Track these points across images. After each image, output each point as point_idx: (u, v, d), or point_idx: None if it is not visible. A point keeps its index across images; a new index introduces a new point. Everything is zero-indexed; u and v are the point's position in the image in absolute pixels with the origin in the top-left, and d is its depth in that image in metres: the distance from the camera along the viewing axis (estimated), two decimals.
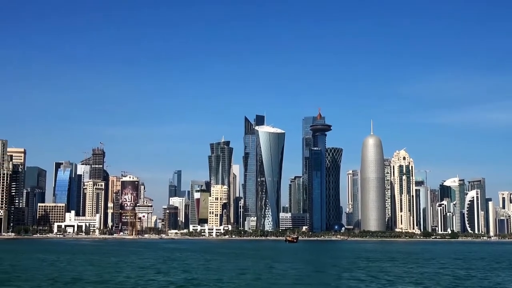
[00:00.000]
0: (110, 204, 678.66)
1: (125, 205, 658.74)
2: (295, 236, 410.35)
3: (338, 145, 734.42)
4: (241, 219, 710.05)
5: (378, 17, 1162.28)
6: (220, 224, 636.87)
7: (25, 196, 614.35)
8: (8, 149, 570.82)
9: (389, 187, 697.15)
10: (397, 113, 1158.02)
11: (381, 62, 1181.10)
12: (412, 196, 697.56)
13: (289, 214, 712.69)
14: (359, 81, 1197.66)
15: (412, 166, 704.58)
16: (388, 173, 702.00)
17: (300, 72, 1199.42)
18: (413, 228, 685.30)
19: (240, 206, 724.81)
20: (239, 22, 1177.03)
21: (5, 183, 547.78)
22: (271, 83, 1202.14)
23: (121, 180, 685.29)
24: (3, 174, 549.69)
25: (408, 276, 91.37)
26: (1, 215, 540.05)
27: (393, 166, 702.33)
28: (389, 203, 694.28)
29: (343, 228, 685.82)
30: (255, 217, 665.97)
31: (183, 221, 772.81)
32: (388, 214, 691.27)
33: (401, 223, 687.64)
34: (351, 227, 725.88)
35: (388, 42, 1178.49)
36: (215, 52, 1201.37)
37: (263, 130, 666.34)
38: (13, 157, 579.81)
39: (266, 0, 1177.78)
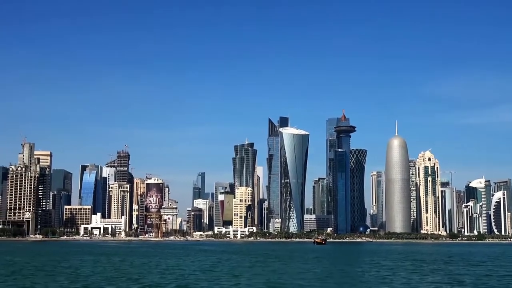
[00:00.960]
0: (134, 206, 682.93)
1: (150, 207, 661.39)
2: (323, 238, 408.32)
3: (362, 147, 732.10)
4: (265, 221, 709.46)
5: (401, 19, 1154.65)
6: (245, 226, 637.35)
7: (51, 198, 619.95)
8: (35, 152, 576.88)
9: (414, 188, 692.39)
10: (421, 114, 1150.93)
11: (406, 63, 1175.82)
12: (438, 197, 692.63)
13: (313, 216, 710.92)
14: (383, 82, 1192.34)
15: (437, 167, 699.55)
16: (413, 174, 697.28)
17: (324, 73, 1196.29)
18: (439, 230, 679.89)
19: (264, 208, 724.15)
20: (263, 24, 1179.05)
21: (32, 185, 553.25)
22: (295, 84, 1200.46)
23: (145, 182, 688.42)
24: (31, 177, 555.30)
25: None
26: (29, 218, 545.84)
27: (418, 167, 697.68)
28: (414, 205, 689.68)
29: (368, 230, 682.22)
30: (280, 219, 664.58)
31: (207, 223, 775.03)
32: (413, 216, 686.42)
33: (427, 225, 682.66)
34: (376, 228, 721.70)
35: (413, 43, 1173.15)
36: (239, 54, 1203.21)
37: (287, 132, 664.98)
38: (40, 160, 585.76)
39: (291, 3, 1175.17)
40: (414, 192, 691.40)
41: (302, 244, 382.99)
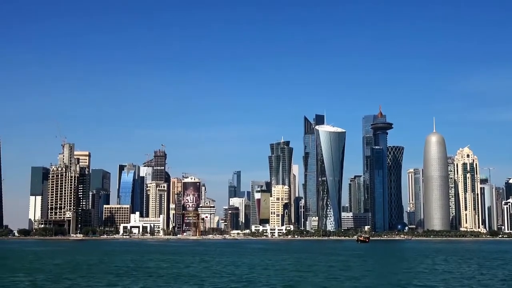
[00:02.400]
0: (171, 205, 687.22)
1: (187, 206, 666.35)
2: (367, 236, 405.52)
3: (399, 143, 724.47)
4: (302, 219, 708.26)
5: (435, 18, 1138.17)
6: (282, 224, 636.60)
7: (90, 198, 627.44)
8: (74, 152, 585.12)
9: (453, 185, 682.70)
10: (460, 110, 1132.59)
11: (444, 59, 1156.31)
12: (477, 194, 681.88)
13: (350, 214, 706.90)
14: (420, 78, 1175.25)
15: (476, 164, 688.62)
16: (451, 171, 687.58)
17: (360, 71, 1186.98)
18: (478, 227, 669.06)
19: (300, 206, 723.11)
20: (297, 23, 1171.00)
21: (72, 185, 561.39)
22: (330, 82, 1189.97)
23: (182, 181, 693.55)
24: (71, 176, 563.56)
25: None
26: (70, 217, 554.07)
27: (457, 164, 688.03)
28: (453, 202, 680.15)
29: (406, 228, 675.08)
30: (317, 217, 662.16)
31: (243, 221, 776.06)
32: (452, 213, 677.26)
33: (466, 222, 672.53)
34: (414, 226, 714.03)
35: (451, 39, 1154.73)
36: (273, 52, 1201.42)
37: (324, 130, 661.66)
38: (79, 160, 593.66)
39: (330, 2, 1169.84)
40: (453, 189, 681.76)
41: (345, 242, 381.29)
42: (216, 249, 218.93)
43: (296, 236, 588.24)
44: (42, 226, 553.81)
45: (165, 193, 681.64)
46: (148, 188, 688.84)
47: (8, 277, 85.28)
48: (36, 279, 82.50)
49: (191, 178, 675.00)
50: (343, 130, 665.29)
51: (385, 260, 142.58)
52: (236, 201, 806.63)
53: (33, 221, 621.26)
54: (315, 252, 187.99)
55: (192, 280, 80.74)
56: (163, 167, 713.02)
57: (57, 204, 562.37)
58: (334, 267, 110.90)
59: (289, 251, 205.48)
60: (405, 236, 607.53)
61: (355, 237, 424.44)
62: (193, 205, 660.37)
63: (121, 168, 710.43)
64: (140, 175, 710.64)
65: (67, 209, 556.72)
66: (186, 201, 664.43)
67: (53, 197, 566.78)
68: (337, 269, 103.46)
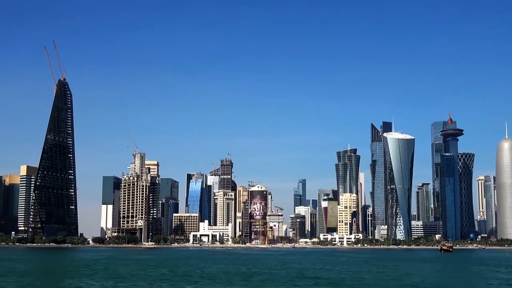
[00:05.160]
0: (238, 214, 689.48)
1: (254, 214, 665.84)
2: (450, 245, 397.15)
3: (469, 150, 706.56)
4: (369, 228, 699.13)
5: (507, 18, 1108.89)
6: (350, 233, 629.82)
7: (160, 206, 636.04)
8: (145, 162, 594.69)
9: None
10: None
11: None
12: None
13: (420, 222, 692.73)
14: (491, 82, 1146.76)
15: None
16: None
17: (428, 76, 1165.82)
18: None
19: (368, 214, 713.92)
20: (368, 28, 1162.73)
21: (144, 194, 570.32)
22: (397, 89, 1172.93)
23: (248, 190, 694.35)
24: (142, 185, 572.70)
25: None
26: (141, 225, 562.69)
27: None
28: None
29: (479, 237, 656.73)
30: (386, 226, 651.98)
31: (309, 229, 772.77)
32: None
33: None
34: (485, 235, 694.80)
35: None
36: (339, 58, 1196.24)
37: (392, 137, 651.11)
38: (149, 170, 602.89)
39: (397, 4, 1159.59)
40: None
41: (424, 252, 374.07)
42: (317, 258, 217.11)
43: (365, 245, 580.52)
44: (115, 234, 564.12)
45: (233, 201, 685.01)
46: (215, 197, 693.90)
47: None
48: None
49: (258, 187, 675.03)
50: (412, 137, 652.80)
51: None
52: (301, 210, 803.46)
53: (105, 229, 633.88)
54: (411, 260, 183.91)
55: None
56: (229, 176, 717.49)
57: (129, 213, 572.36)
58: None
59: (385, 259, 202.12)
60: (478, 245, 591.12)
61: (438, 246, 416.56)
62: (260, 214, 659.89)
63: (189, 177, 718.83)
64: (208, 184, 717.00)
65: (138, 217, 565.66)
66: (253, 209, 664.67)
67: (125, 205, 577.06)
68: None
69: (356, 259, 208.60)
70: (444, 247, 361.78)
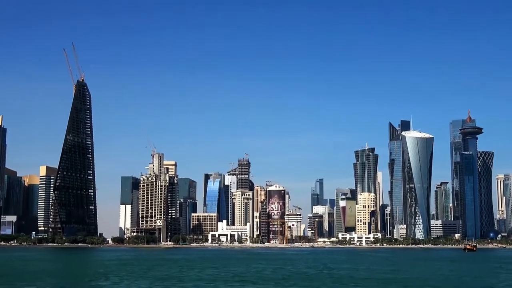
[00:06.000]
0: (255, 213, 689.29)
1: (272, 214, 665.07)
2: (474, 244, 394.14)
3: (488, 149, 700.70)
4: (388, 227, 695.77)
5: None
6: (369, 232, 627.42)
7: (178, 206, 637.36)
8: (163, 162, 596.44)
9: None
10: None
11: None
12: None
13: (439, 222, 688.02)
14: (511, 80, 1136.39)
15: None
16: None
17: (446, 74, 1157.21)
18: None
19: (386, 213, 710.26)
20: (381, 28, 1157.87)
21: (163, 194, 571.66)
22: (415, 87, 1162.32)
23: (266, 189, 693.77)
24: (161, 186, 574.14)
25: None
26: (160, 225, 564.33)
27: None
28: None
29: (499, 236, 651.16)
30: (404, 225, 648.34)
31: (327, 229, 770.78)
32: None
33: None
34: (505, 234, 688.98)
35: None
36: (358, 57, 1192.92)
37: (411, 136, 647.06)
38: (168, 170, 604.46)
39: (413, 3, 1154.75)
40: None
41: (446, 251, 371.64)
42: (348, 258, 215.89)
43: (384, 244, 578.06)
44: (134, 234, 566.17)
45: (250, 201, 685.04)
46: (233, 197, 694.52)
47: None
48: None
49: (276, 186, 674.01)
50: (431, 136, 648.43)
51: None
52: (319, 209, 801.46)
53: (124, 229, 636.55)
54: (445, 260, 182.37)
55: None
56: (247, 176, 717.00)
57: (148, 213, 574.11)
58: None
59: (417, 259, 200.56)
60: (499, 245, 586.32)
61: (462, 245, 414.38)
62: (278, 213, 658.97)
63: (207, 177, 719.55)
64: (225, 183, 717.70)
65: (157, 217, 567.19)
66: (271, 209, 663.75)
67: (144, 205, 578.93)
68: None
69: (386, 259, 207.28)
70: (468, 247, 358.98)
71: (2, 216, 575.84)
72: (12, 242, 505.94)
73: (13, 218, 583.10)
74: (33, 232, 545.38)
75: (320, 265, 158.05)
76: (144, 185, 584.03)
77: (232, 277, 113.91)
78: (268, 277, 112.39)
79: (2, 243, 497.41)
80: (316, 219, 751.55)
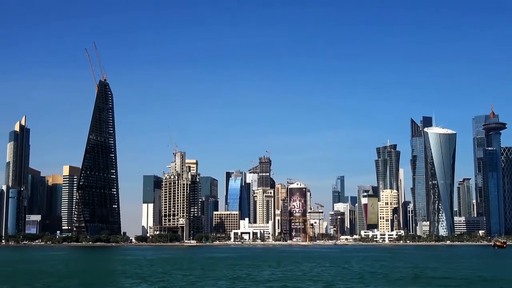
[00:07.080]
0: (277, 211, 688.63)
1: (294, 211, 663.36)
2: (504, 241, 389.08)
3: (510, 144, 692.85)
4: (411, 224, 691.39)
5: None
6: (391, 229, 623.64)
7: (200, 205, 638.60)
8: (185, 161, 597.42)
9: None
10: None
11: None
12: None
13: (462, 218, 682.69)
14: None
15: None
16: None
17: (468, 69, 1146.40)
18: None
19: (409, 210, 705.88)
20: (405, 26, 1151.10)
21: (185, 193, 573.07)
22: (436, 83, 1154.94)
23: (287, 187, 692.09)
24: (183, 184, 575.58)
25: None
26: (183, 224, 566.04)
27: None
28: None
29: None
30: (428, 222, 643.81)
31: (348, 226, 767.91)
32: None
33: None
34: None
35: None
36: (379, 55, 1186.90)
37: (433, 132, 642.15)
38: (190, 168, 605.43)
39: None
40: None
41: (474, 248, 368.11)
42: (385, 256, 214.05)
43: (407, 241, 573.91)
44: (157, 232, 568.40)
45: (272, 199, 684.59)
46: (255, 195, 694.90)
47: None
48: None
49: (297, 184, 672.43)
50: (454, 132, 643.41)
51: None
52: (340, 206, 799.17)
53: (146, 228, 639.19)
54: (483, 257, 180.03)
55: None
56: (268, 174, 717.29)
57: (170, 211, 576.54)
58: None
59: (454, 256, 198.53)
60: None
61: (492, 242, 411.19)
62: (300, 211, 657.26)
63: (228, 175, 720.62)
64: (247, 181, 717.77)
65: (180, 216, 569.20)
66: (293, 206, 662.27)
67: (166, 204, 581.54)
68: None
69: (422, 256, 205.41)
70: (498, 243, 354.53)
71: (26, 215, 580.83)
72: (37, 241, 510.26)
73: (37, 217, 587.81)
74: (58, 231, 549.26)
75: (387, 264, 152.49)
76: (166, 184, 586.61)
77: (303, 275, 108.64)
78: (348, 277, 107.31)
79: (27, 242, 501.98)
80: (338, 217, 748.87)
